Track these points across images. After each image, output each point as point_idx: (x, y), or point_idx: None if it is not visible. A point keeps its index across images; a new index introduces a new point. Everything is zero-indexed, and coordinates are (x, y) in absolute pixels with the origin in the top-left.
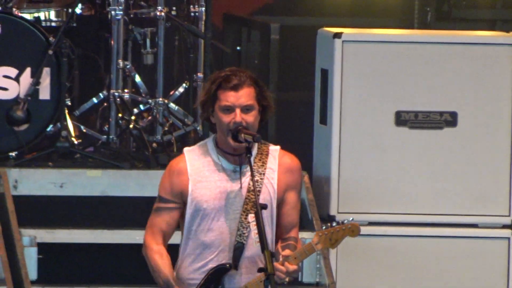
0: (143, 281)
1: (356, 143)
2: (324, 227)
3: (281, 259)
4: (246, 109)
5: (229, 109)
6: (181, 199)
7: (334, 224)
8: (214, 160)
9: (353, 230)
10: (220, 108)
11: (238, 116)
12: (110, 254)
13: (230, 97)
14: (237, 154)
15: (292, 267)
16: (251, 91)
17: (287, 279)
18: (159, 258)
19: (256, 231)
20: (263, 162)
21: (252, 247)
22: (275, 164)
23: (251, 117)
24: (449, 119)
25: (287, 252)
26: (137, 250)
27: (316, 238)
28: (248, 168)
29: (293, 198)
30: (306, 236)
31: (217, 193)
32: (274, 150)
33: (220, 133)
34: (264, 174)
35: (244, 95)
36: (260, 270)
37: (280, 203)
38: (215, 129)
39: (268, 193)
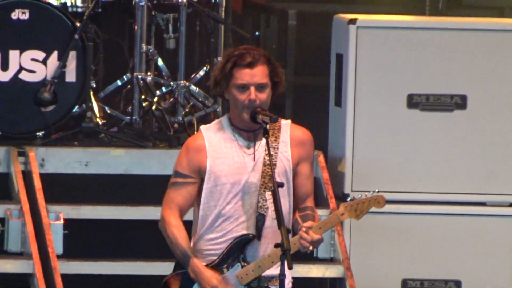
0: (163, 256)
1: (369, 124)
2: (349, 199)
3: (303, 229)
4: (260, 87)
5: (244, 87)
6: (199, 175)
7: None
8: (230, 136)
9: (379, 201)
10: (235, 86)
11: (252, 94)
12: (133, 230)
13: (245, 76)
14: (251, 131)
15: (317, 236)
16: (265, 69)
17: (310, 248)
18: (177, 231)
19: (273, 208)
20: (276, 136)
21: (272, 220)
22: (287, 138)
23: (264, 95)
24: (459, 102)
25: (309, 223)
26: (158, 226)
27: (342, 209)
28: (262, 143)
29: (306, 169)
30: (321, 213)
31: (235, 168)
32: (285, 124)
33: (235, 110)
34: (277, 148)
35: (259, 73)
36: (276, 245)
37: (294, 175)
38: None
39: (283, 167)
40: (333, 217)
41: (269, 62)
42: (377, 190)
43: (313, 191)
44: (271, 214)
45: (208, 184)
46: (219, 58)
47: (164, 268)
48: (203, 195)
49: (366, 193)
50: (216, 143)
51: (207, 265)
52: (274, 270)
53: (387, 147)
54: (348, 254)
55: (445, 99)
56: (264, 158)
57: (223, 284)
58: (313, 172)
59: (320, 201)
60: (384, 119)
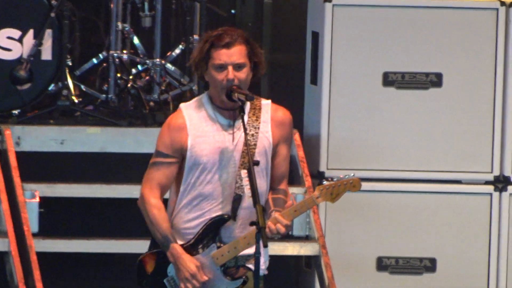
0: (139, 234)
1: (345, 102)
2: (325, 182)
3: (273, 214)
4: (238, 66)
5: (222, 67)
6: (180, 154)
7: (334, 179)
8: (210, 115)
9: (354, 185)
10: (213, 66)
11: (230, 73)
12: (108, 208)
13: (222, 55)
14: (231, 109)
15: (285, 221)
16: (243, 48)
17: (279, 235)
18: (158, 212)
19: (249, 186)
20: (257, 116)
21: (248, 199)
22: (268, 118)
23: (243, 74)
24: (435, 80)
25: (279, 216)
26: (134, 204)
27: (317, 192)
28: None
29: (285, 150)
30: (297, 191)
31: (216, 147)
32: (266, 104)
33: (214, 90)
34: (258, 128)
35: (236, 53)
36: (252, 223)
37: (273, 155)
38: (208, 86)
39: (263, 146)
40: (308, 200)
41: (247, 42)
42: (352, 174)
43: (289, 172)
44: (247, 192)
45: (189, 162)
46: (195, 37)
47: (139, 246)
48: (184, 172)
49: (342, 176)
50: (196, 122)
51: (182, 245)
52: (251, 249)
53: (363, 125)
54: (324, 232)
55: (420, 77)
56: (244, 138)
57: (201, 271)
58: (289, 153)
59: (296, 179)
60: (359, 97)
